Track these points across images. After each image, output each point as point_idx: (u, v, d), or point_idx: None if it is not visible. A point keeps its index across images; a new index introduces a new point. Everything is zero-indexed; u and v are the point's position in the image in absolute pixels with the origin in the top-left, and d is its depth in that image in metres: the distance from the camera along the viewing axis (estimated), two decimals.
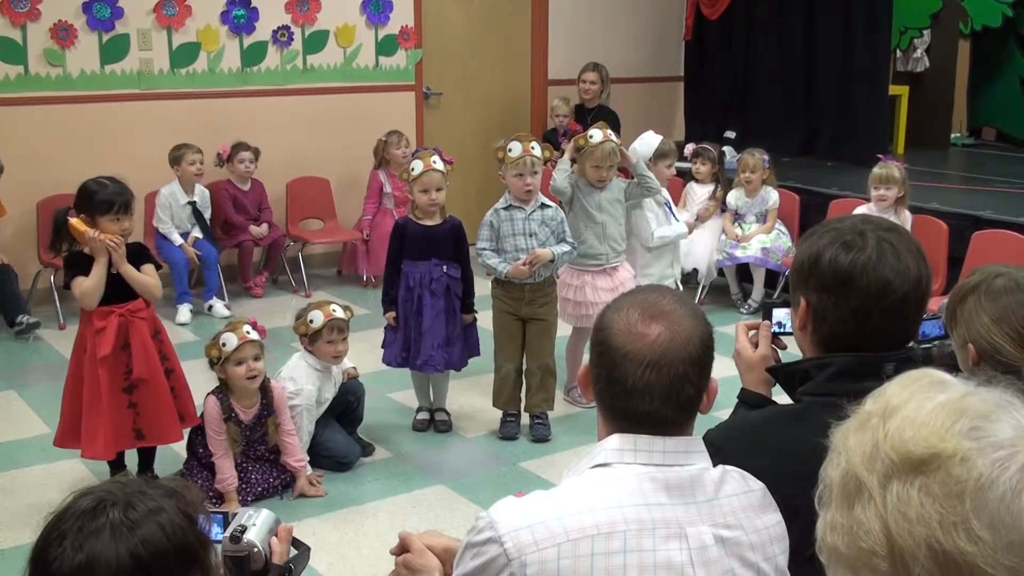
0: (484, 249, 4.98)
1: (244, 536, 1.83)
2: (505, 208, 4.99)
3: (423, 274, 4.89)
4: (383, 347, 5.07)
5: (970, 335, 2.15)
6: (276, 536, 1.88)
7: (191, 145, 7.06)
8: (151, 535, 1.40)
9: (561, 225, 5.02)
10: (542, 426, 5.11)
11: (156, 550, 1.39)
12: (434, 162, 4.84)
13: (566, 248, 4.99)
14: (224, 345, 4.21)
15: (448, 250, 4.94)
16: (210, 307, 7.06)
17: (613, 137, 5.24)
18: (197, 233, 7.10)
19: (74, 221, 4.12)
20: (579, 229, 5.21)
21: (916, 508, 1.03)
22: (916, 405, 1.10)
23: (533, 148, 4.89)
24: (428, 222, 4.92)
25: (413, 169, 4.88)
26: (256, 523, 1.86)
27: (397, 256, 4.97)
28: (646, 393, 1.64)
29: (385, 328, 5.06)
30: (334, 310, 4.55)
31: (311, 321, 4.50)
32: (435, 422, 5.13)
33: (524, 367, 5.11)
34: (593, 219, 5.24)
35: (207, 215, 7.23)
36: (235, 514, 1.91)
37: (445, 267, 4.92)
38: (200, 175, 7.11)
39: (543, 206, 5.00)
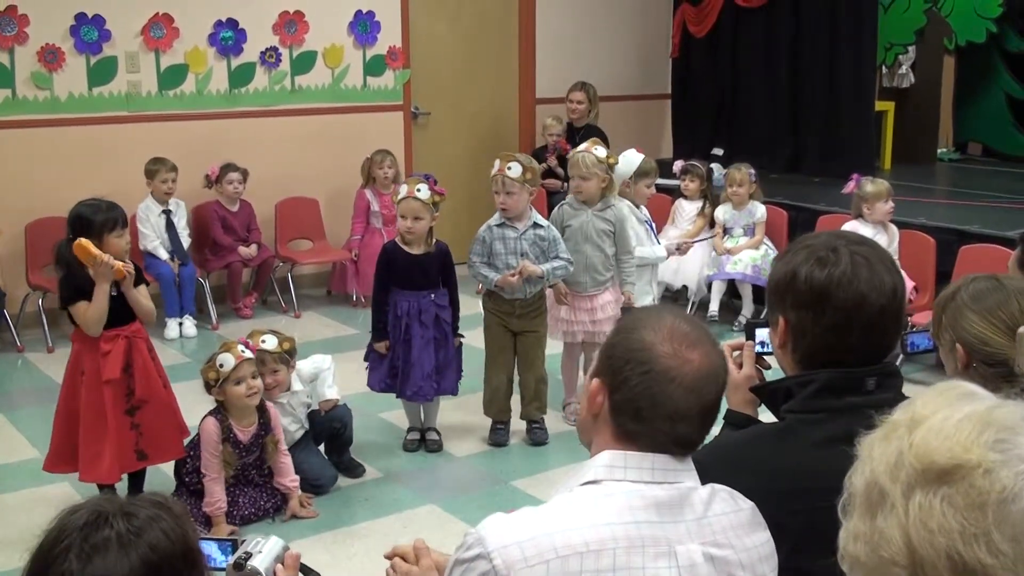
0: (475, 262, 5.01)
1: (248, 563, 1.81)
2: (498, 225, 5.01)
3: (411, 304, 4.88)
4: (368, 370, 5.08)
5: (958, 335, 2.17)
6: (283, 563, 1.86)
7: (166, 161, 7.06)
8: (157, 541, 1.41)
9: (554, 244, 5.02)
10: (540, 430, 5.19)
11: (165, 554, 1.41)
12: (417, 190, 4.79)
13: (557, 264, 5.00)
14: (222, 366, 4.19)
15: (436, 279, 4.95)
16: (180, 324, 7.06)
17: (598, 151, 5.22)
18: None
19: (84, 242, 4.03)
20: None
21: (938, 519, 1.02)
22: (943, 416, 1.08)
23: (510, 168, 4.90)
24: (415, 250, 4.89)
25: (398, 193, 4.91)
26: (262, 550, 1.84)
27: (385, 284, 4.95)
28: (687, 418, 1.65)
29: (369, 351, 5.05)
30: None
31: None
32: (426, 442, 5.13)
33: (517, 378, 5.17)
34: (576, 248, 5.20)
35: (182, 224, 7.21)
36: (243, 541, 1.89)
37: (433, 296, 4.92)
38: (170, 193, 7.09)
39: (536, 225, 5.01)
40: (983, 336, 2.13)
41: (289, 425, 4.61)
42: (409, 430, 5.17)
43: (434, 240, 4.95)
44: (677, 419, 1.64)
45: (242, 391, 4.22)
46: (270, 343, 4.44)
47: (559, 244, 5.04)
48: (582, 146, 5.30)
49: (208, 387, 4.27)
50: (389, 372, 4.96)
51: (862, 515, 1.10)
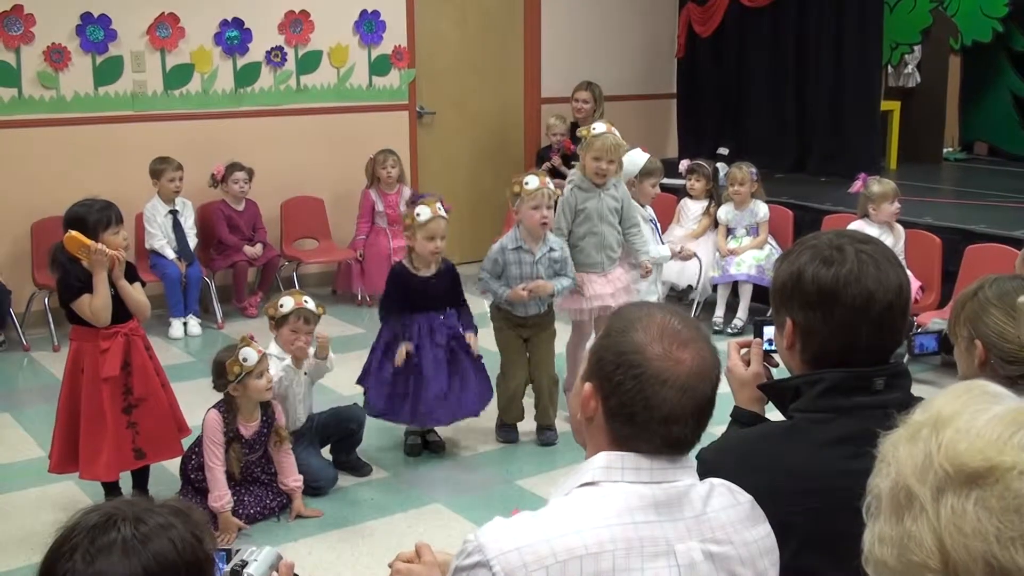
0: (485, 277, 5.02)
1: (244, 571, 1.83)
2: (514, 249, 4.99)
3: (421, 326, 4.84)
4: (363, 383, 4.97)
5: (978, 331, 2.17)
6: (277, 572, 1.87)
7: (172, 160, 7.07)
8: (163, 550, 1.40)
9: (564, 264, 5.04)
10: (550, 431, 5.20)
11: (167, 564, 1.40)
12: (439, 209, 4.78)
13: (566, 283, 5.03)
14: (246, 360, 4.24)
15: (446, 300, 4.92)
16: (185, 324, 7.06)
17: (616, 132, 5.22)
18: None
19: (74, 233, 4.06)
20: (578, 235, 5.21)
21: (972, 522, 1.00)
22: (970, 416, 1.07)
23: (548, 183, 4.94)
24: (425, 272, 4.85)
25: (419, 215, 4.75)
26: (257, 559, 1.86)
27: (398, 307, 4.87)
28: (681, 419, 1.64)
29: (364, 375, 4.95)
30: (306, 300, 4.58)
31: (281, 305, 4.54)
32: (429, 444, 5.10)
33: (531, 380, 5.17)
34: (592, 229, 5.23)
35: (189, 225, 7.23)
36: (237, 550, 1.90)
37: (443, 316, 4.89)
38: (178, 192, 7.12)
39: (551, 249, 5.02)
40: (1004, 333, 2.13)
41: (298, 387, 4.61)
42: (409, 433, 5.09)
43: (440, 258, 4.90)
44: (671, 421, 1.63)
45: (263, 384, 4.29)
46: (311, 304, 4.59)
47: (568, 264, 5.07)
48: (601, 126, 5.21)
49: (225, 382, 4.26)
50: (391, 394, 4.84)
51: (888, 518, 1.08)
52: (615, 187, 5.30)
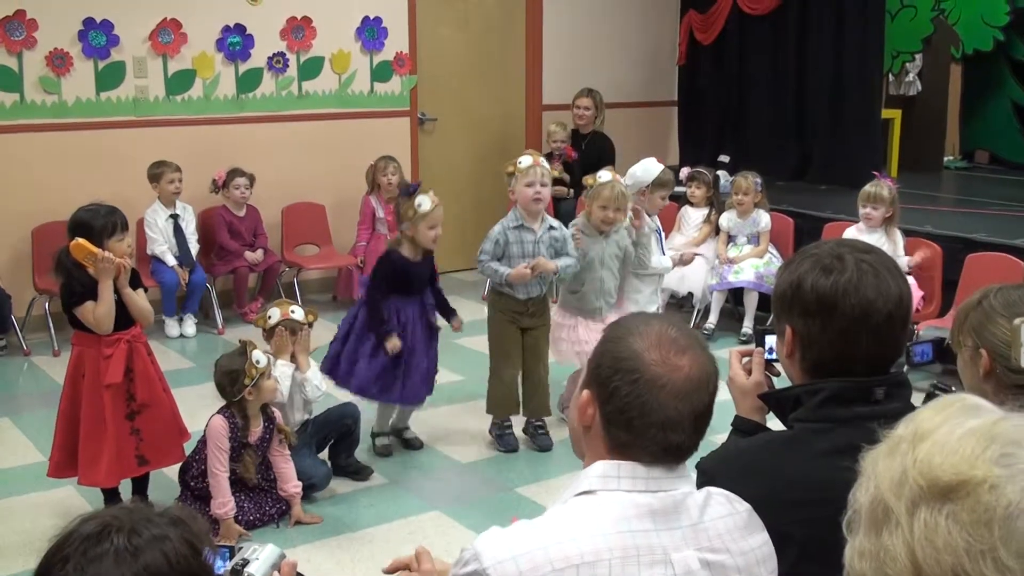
0: (485, 259, 5.03)
1: (245, 570, 1.82)
2: (515, 227, 5.02)
3: (413, 310, 4.94)
4: (334, 371, 4.94)
5: (984, 341, 2.16)
6: (279, 571, 1.87)
7: (170, 163, 7.09)
8: (154, 562, 1.39)
9: (564, 243, 5.06)
10: (544, 435, 5.21)
11: None
12: (436, 199, 4.85)
13: (569, 261, 5.04)
14: (259, 363, 4.28)
15: (426, 281, 5.04)
16: (180, 320, 7.11)
17: (622, 181, 5.23)
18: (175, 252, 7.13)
19: (81, 241, 4.05)
20: (578, 280, 5.20)
21: (943, 535, 1.01)
22: (947, 430, 1.07)
23: (543, 161, 5.03)
24: (412, 257, 4.91)
25: (420, 206, 4.80)
26: (259, 557, 1.85)
27: (386, 291, 4.92)
28: (678, 425, 1.64)
29: (334, 363, 4.94)
30: (292, 311, 4.61)
31: (269, 317, 4.61)
32: (406, 440, 5.13)
33: (524, 371, 5.18)
34: (593, 273, 5.21)
35: (191, 230, 7.24)
36: (240, 548, 1.90)
37: (424, 297, 5.01)
38: (178, 193, 7.14)
39: (550, 227, 5.06)
40: (1009, 340, 2.12)
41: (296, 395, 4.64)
42: (377, 435, 5.11)
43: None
44: (668, 427, 1.63)
45: (273, 384, 4.35)
46: (298, 314, 4.61)
47: (569, 243, 5.08)
48: (606, 175, 5.17)
49: (241, 387, 4.25)
50: (381, 375, 4.87)
51: (867, 532, 1.09)
52: (616, 235, 5.27)
